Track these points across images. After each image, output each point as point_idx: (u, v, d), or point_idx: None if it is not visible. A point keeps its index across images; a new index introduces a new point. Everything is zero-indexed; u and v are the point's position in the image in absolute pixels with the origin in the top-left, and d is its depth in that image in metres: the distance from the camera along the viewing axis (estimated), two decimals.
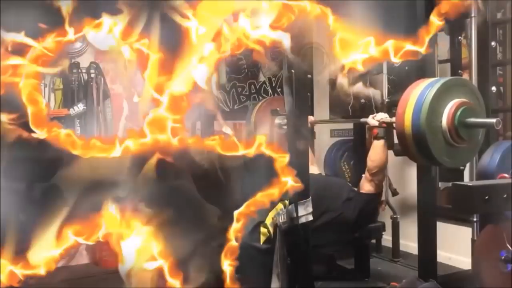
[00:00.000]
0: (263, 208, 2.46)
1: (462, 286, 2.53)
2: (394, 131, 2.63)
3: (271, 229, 2.35)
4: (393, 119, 2.48)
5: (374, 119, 2.69)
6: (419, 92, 2.09)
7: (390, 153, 2.79)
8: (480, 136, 2.23)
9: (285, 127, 3.48)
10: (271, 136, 3.47)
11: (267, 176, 2.09)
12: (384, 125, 2.63)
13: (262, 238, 2.35)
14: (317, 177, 2.98)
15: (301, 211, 2.15)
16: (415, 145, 2.09)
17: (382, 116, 2.68)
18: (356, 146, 3.48)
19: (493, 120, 2.04)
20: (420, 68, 2.41)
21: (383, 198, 3.16)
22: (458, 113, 2.05)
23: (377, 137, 2.67)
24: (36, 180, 2.02)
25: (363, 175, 3.25)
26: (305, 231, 2.19)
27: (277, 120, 3.48)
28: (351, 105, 4.19)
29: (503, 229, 2.06)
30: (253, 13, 1.97)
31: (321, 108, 4.74)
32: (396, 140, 2.64)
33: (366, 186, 2.70)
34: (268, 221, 2.37)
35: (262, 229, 2.36)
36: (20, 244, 2.02)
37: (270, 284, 2.24)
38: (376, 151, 2.65)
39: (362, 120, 2.89)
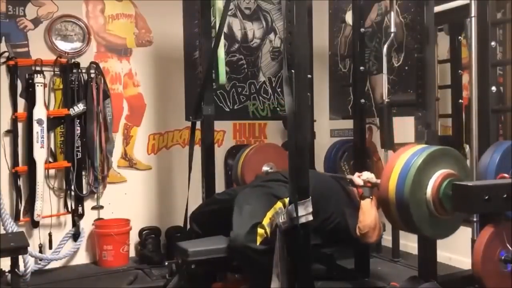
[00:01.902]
0: (260, 209, 2.46)
1: (462, 286, 2.53)
2: None
3: (268, 230, 2.34)
4: (378, 180, 2.40)
5: (359, 178, 2.63)
6: (404, 161, 2.08)
7: None
8: None
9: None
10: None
11: None
12: (369, 185, 2.57)
13: (259, 239, 2.34)
14: (318, 175, 2.97)
15: (301, 211, 2.15)
16: (398, 214, 2.08)
17: (368, 175, 2.62)
18: (356, 146, 3.48)
19: None
20: (420, 68, 2.40)
21: None
22: (443, 185, 2.03)
23: (362, 197, 2.59)
24: None
25: None
26: (305, 231, 2.19)
27: (265, 167, 3.49)
28: (351, 105, 4.20)
29: (503, 229, 2.06)
30: None
31: (321, 108, 4.75)
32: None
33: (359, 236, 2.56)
34: (266, 221, 2.37)
35: (259, 230, 2.35)
36: None
37: (268, 284, 2.23)
38: (363, 211, 2.54)
39: (349, 177, 2.81)
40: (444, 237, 2.20)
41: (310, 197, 2.19)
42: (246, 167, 3.46)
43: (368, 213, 2.51)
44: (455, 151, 2.22)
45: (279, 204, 2.43)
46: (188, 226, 3.03)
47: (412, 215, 2.02)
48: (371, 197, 2.55)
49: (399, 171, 2.07)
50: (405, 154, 2.12)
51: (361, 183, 2.60)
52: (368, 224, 2.49)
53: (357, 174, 2.68)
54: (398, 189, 2.05)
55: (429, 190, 2.05)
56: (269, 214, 2.38)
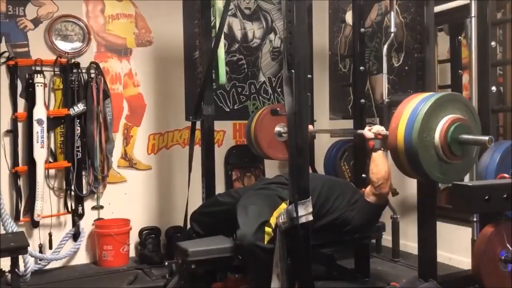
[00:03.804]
0: (266, 208, 2.47)
1: (462, 286, 2.53)
2: None
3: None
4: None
5: (370, 131, 2.68)
6: (412, 108, 2.09)
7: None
8: (475, 152, 2.22)
9: (285, 134, 3.50)
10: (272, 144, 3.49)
11: None
12: (380, 137, 2.62)
13: (267, 238, 2.35)
14: (322, 177, 2.98)
15: (301, 211, 2.15)
16: (407, 160, 2.09)
17: (378, 128, 2.67)
18: (356, 146, 3.48)
19: (486, 138, 2.03)
20: (420, 68, 2.40)
21: None
22: (451, 129, 2.05)
23: (374, 149, 2.64)
24: None
25: (363, 175, 3.25)
26: (305, 231, 2.19)
27: (277, 128, 3.49)
28: (351, 105, 4.20)
29: (503, 229, 2.06)
30: None
31: (321, 108, 4.75)
32: None
33: (372, 198, 2.63)
34: (273, 220, 2.37)
35: (267, 229, 2.36)
36: None
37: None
38: (376, 163, 2.60)
39: (359, 131, 2.89)
40: (454, 182, 2.21)
41: (315, 199, 2.19)
42: (259, 128, 3.45)
43: (382, 165, 2.59)
44: (462, 97, 2.23)
45: (284, 205, 2.44)
46: (188, 226, 3.03)
47: (421, 160, 2.03)
48: (382, 148, 2.61)
49: (407, 117, 2.08)
50: (413, 101, 2.13)
51: (372, 135, 2.66)
52: (382, 176, 2.57)
53: (367, 127, 2.74)
54: (406, 135, 2.06)
55: (437, 135, 2.06)
56: (275, 214, 2.39)
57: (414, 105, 2.09)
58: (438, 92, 2.19)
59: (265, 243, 2.34)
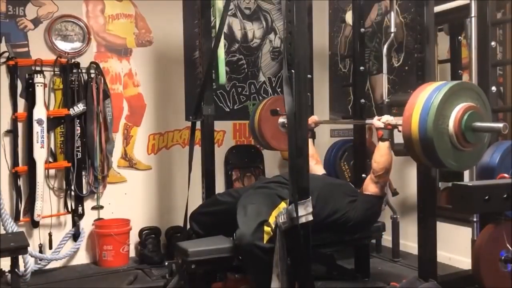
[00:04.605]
0: (265, 208, 2.47)
1: (462, 286, 2.53)
2: (394, 131, 2.65)
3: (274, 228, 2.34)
4: (399, 121, 2.48)
5: (379, 121, 2.69)
6: (426, 96, 2.09)
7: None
8: (486, 140, 2.23)
9: None
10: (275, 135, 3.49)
11: None
12: (390, 127, 2.63)
13: (266, 237, 2.35)
14: (322, 178, 2.98)
15: (301, 211, 2.15)
16: (421, 148, 2.09)
17: (388, 118, 2.68)
18: (356, 146, 3.48)
19: (500, 125, 2.04)
20: (420, 68, 2.40)
21: None
22: (465, 117, 2.06)
23: (382, 139, 2.66)
24: None
25: (363, 175, 3.26)
26: (305, 231, 2.19)
27: (281, 119, 3.48)
28: (351, 105, 4.20)
29: (503, 229, 2.06)
30: None
31: (321, 108, 4.75)
32: (395, 140, 2.65)
33: (371, 188, 2.67)
34: (272, 220, 2.37)
35: (266, 228, 2.36)
36: None
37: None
38: (382, 153, 2.65)
39: (368, 121, 2.90)
40: (466, 168, 2.22)
41: (315, 201, 2.20)
42: (262, 119, 3.44)
43: (387, 155, 2.65)
44: (474, 85, 2.25)
45: (283, 204, 2.43)
46: (188, 226, 3.03)
47: (436, 148, 2.04)
48: (390, 139, 2.66)
49: (421, 105, 2.08)
50: (426, 90, 2.13)
51: (382, 125, 2.67)
52: (384, 166, 2.64)
53: (376, 117, 2.75)
54: (421, 123, 2.06)
55: (451, 123, 2.08)
56: (275, 213, 2.38)
57: (428, 93, 2.10)
58: (450, 82, 2.19)
59: (264, 242, 2.34)
